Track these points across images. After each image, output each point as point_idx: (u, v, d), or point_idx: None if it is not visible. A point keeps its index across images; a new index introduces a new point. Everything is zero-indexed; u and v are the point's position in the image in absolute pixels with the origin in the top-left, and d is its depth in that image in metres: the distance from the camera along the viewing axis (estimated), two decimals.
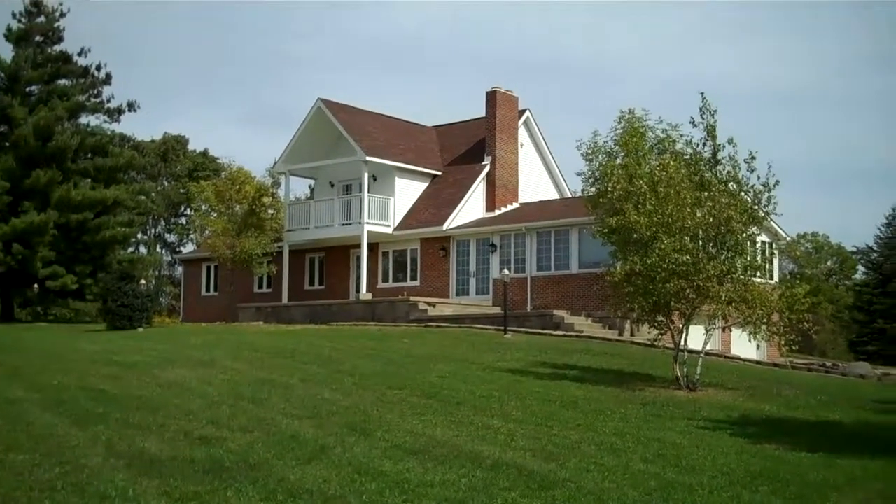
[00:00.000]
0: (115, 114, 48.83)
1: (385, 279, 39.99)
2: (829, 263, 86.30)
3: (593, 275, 30.76)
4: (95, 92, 48.44)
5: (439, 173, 41.10)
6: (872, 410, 18.55)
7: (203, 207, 43.28)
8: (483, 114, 40.57)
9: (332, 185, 41.98)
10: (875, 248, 64.92)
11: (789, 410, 17.61)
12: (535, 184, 41.97)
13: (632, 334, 30.68)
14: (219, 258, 40.39)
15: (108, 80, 48.36)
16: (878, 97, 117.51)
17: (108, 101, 48.71)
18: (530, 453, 11.30)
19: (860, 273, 75.44)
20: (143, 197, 56.03)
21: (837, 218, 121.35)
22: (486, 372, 19.58)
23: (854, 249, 75.28)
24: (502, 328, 28.53)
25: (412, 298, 34.83)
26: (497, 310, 32.53)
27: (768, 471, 11.32)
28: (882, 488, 10.82)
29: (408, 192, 40.08)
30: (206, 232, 41.41)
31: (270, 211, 40.87)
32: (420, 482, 9.46)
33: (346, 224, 38.81)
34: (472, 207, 38.99)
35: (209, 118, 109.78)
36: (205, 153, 74.46)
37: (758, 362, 28.76)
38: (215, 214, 41.12)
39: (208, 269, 45.81)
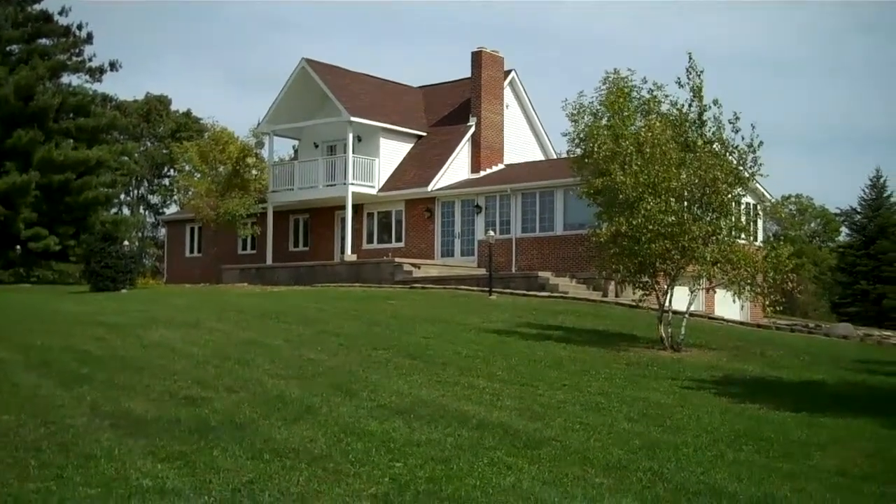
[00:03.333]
0: (96, 73, 48.43)
1: (370, 240, 39.94)
2: (812, 225, 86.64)
3: (578, 236, 30.78)
4: (77, 51, 48.03)
5: (424, 134, 40.94)
6: (855, 370, 18.68)
7: (186, 168, 43.01)
8: (469, 75, 40.33)
9: (317, 146, 41.74)
10: (859, 210, 65.19)
11: (773, 370, 17.71)
12: (520, 145, 41.85)
13: (616, 295, 30.74)
14: (202, 219, 40.23)
15: (89, 39, 47.90)
16: (862, 62, 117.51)
17: (90, 60, 48.36)
18: (516, 413, 11.34)
19: (844, 235, 75.81)
20: (125, 158, 55.70)
21: (822, 180, 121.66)
22: (472, 333, 19.60)
23: (838, 211, 75.64)
24: (487, 289, 28.55)
25: (397, 260, 34.80)
26: (482, 271, 32.56)
27: (752, 430, 11.39)
28: (864, 446, 10.91)
29: (393, 153, 39.93)
30: (190, 193, 41.16)
31: (254, 172, 40.63)
32: (406, 441, 9.48)
33: (331, 185, 38.65)
34: (457, 169, 38.88)
35: (192, 78, 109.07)
36: (188, 114, 73.90)
37: (741, 323, 28.88)
38: (199, 175, 40.88)
39: (192, 230, 45.61)
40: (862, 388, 16.40)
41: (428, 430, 10.06)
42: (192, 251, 46.02)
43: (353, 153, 38.15)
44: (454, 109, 40.98)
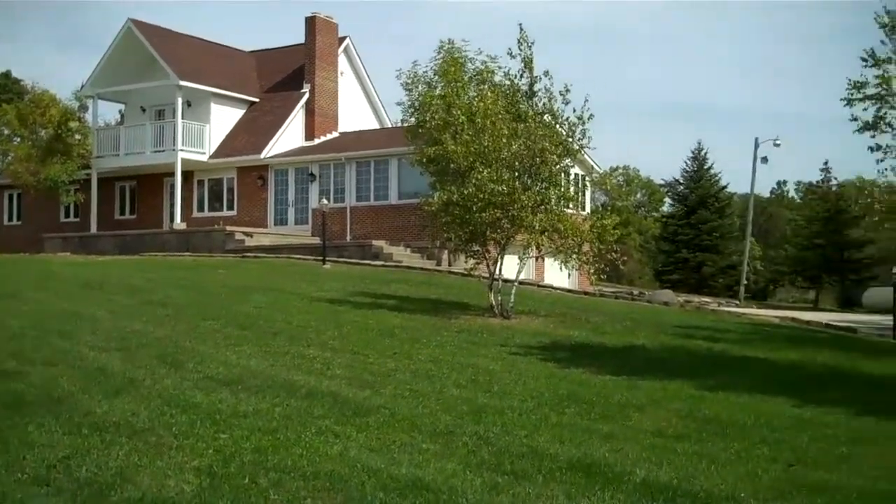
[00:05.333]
0: None
1: (200, 209, 39.07)
2: (638, 196, 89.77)
3: (413, 205, 30.89)
4: None
5: (257, 100, 40.23)
6: (674, 335, 19.47)
7: (5, 132, 41.00)
8: (303, 40, 39.78)
9: (144, 111, 40.43)
10: (681, 182, 67.77)
11: (597, 336, 18.27)
12: (355, 113, 41.67)
13: (449, 264, 31.12)
14: (22, 185, 38.44)
15: None
16: (690, 36, 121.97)
17: None
18: (346, 381, 11.31)
19: (667, 205, 78.71)
20: None
21: (647, 152, 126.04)
22: (304, 302, 19.45)
23: (662, 182, 78.50)
24: (321, 258, 28.39)
25: (228, 228, 34.19)
26: (316, 240, 32.36)
27: (575, 393, 11.72)
28: (679, 407, 11.39)
29: (224, 118, 39.08)
30: (9, 157, 39.28)
31: (77, 136, 39.09)
32: (233, 413, 9.33)
33: (159, 151, 37.57)
34: (290, 136, 38.42)
35: (11, 37, 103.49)
36: (7, 75, 70.23)
37: (569, 291, 29.71)
38: (18, 139, 39.04)
39: (10, 196, 43.56)
40: (680, 352, 17.12)
41: (255, 400, 9.93)
42: (11, 219, 43.97)
43: (183, 118, 37.16)
44: (288, 76, 40.41)
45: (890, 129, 17.47)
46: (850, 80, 17.35)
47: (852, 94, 17.29)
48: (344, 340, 14.73)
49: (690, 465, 8.46)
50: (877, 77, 17.41)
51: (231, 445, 8.12)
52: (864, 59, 17.53)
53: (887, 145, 17.89)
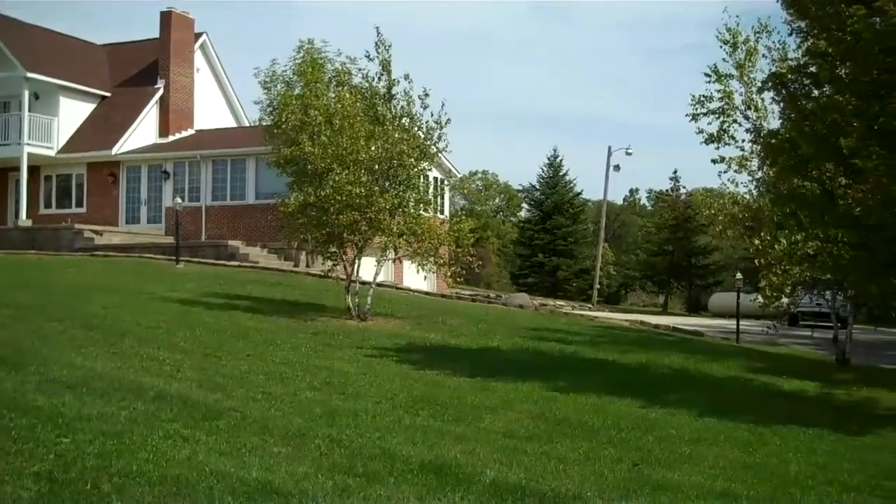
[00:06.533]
0: None
1: (48, 205, 37.62)
2: (497, 200, 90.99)
3: (270, 206, 30.53)
4: None
5: (109, 95, 39.00)
6: (528, 337, 19.81)
7: None
8: (157, 35, 38.77)
9: None
10: (537, 187, 68.97)
11: (453, 338, 18.44)
12: (212, 111, 40.88)
13: (307, 266, 30.89)
14: None
15: None
16: (550, 45, 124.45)
17: None
18: (196, 384, 11.08)
19: (524, 210, 79.98)
20: None
21: (506, 158, 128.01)
22: (156, 302, 18.98)
23: (520, 188, 79.78)
24: (174, 258, 27.75)
25: (77, 226, 33.04)
26: (170, 239, 31.59)
27: (429, 395, 11.80)
28: (530, 409, 11.60)
29: (74, 112, 37.73)
30: None
31: None
32: (76, 416, 9.00)
33: (4, 145, 36.04)
34: (143, 132, 37.40)
35: None
36: None
37: (427, 293, 29.91)
38: None
39: None
40: (533, 354, 17.44)
41: (101, 403, 9.61)
42: None
43: (30, 111, 35.70)
44: (141, 70, 39.30)
45: (733, 142, 18.18)
46: (693, 96, 18.01)
47: (697, 109, 17.93)
48: (196, 342, 14.43)
49: (539, 465, 8.62)
50: (719, 92, 18.10)
51: (73, 450, 7.83)
52: (707, 75, 18.21)
53: (730, 157, 18.62)
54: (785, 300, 22.83)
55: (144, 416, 9.20)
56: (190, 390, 10.66)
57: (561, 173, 67.70)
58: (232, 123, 41.89)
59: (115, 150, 35.92)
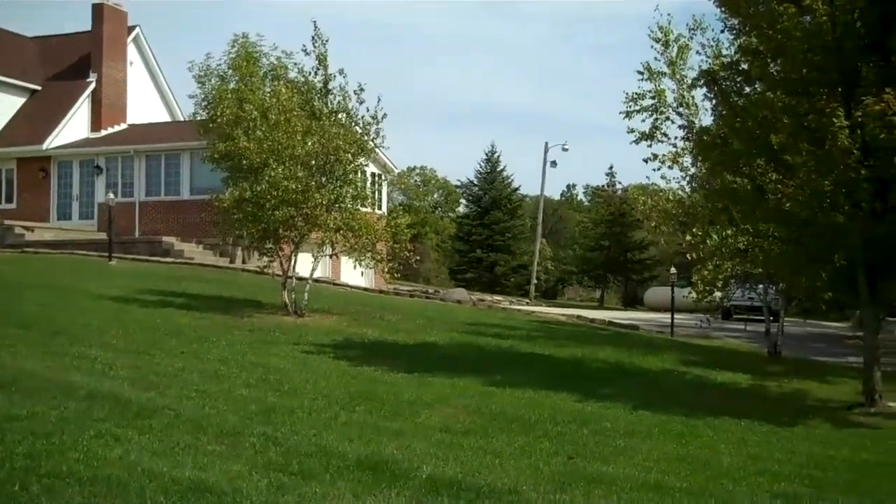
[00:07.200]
0: None
1: None
2: (435, 196, 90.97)
3: (205, 201, 30.14)
4: None
5: (39, 88, 38.21)
6: (465, 333, 19.88)
7: None
8: (89, 28, 38.08)
9: None
10: (475, 183, 69.12)
11: (390, 334, 18.42)
12: (145, 105, 40.26)
13: (243, 262, 30.63)
14: None
15: None
16: (487, 41, 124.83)
17: None
18: (129, 382, 10.92)
19: (463, 206, 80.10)
20: None
21: (444, 153, 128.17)
22: (89, 300, 18.68)
23: (458, 183, 79.85)
24: (107, 255, 27.33)
25: (7, 222, 32.41)
26: (102, 235, 31.08)
27: (366, 392, 11.78)
28: (467, 404, 11.64)
29: (3, 107, 36.93)
30: None
31: None
32: (4, 416, 8.81)
33: None
34: (75, 127, 36.73)
35: None
36: None
37: (365, 289, 29.83)
38: None
39: None
40: (470, 349, 17.50)
41: (30, 403, 9.42)
42: None
43: None
44: (73, 64, 38.57)
45: (666, 139, 18.41)
46: (627, 93, 18.20)
47: (630, 107, 18.13)
48: (129, 340, 14.24)
49: (476, 459, 8.64)
50: (651, 90, 18.31)
51: (1, 451, 7.67)
52: (640, 73, 18.41)
53: (663, 154, 18.83)
54: (718, 294, 23.24)
55: (75, 416, 9.05)
56: (122, 389, 10.51)
57: (499, 169, 67.93)
58: (166, 118, 41.33)
59: (45, 145, 35.23)
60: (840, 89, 13.48)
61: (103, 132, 37.13)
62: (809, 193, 13.37)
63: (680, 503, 7.68)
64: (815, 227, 13.69)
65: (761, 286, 22.71)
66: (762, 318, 23.86)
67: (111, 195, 29.40)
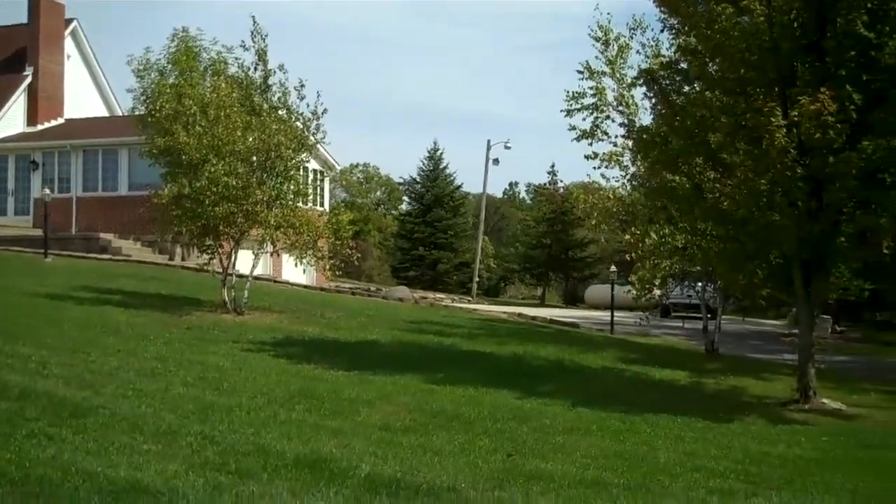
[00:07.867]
0: None
1: None
2: (378, 193, 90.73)
3: (144, 197, 29.73)
4: None
5: None
6: (407, 330, 19.86)
7: None
8: (25, 20, 37.35)
9: None
10: (418, 180, 69.03)
11: (331, 332, 18.34)
12: (83, 99, 39.58)
13: (182, 259, 30.28)
14: None
15: None
16: (424, 40, 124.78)
17: None
18: (63, 381, 10.73)
19: (405, 203, 79.96)
20: None
21: (387, 151, 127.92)
22: (23, 298, 18.32)
23: (401, 181, 79.66)
24: (43, 251, 26.84)
25: None
26: (38, 232, 30.45)
27: (306, 390, 11.71)
28: (408, 401, 11.63)
29: None
30: None
31: None
32: None
33: None
34: (11, 121, 36.03)
35: None
36: None
37: (306, 287, 29.67)
38: None
39: None
40: (412, 347, 17.49)
41: None
42: None
43: None
44: (8, 57, 37.80)
45: (606, 138, 18.49)
46: (568, 92, 18.26)
47: (571, 105, 18.19)
48: (63, 338, 13.99)
49: (415, 457, 8.63)
50: (592, 88, 18.38)
51: None
52: (580, 72, 18.48)
53: (603, 153, 18.92)
54: (657, 292, 23.46)
55: (7, 415, 8.87)
56: (56, 388, 10.32)
57: (441, 166, 67.90)
58: (104, 112, 40.69)
59: None
60: (777, 89, 13.69)
61: (40, 126, 36.46)
62: (746, 192, 13.56)
63: (617, 499, 7.73)
64: (752, 226, 13.89)
65: (699, 284, 22.96)
66: (700, 315, 24.16)
67: (47, 191, 28.93)
